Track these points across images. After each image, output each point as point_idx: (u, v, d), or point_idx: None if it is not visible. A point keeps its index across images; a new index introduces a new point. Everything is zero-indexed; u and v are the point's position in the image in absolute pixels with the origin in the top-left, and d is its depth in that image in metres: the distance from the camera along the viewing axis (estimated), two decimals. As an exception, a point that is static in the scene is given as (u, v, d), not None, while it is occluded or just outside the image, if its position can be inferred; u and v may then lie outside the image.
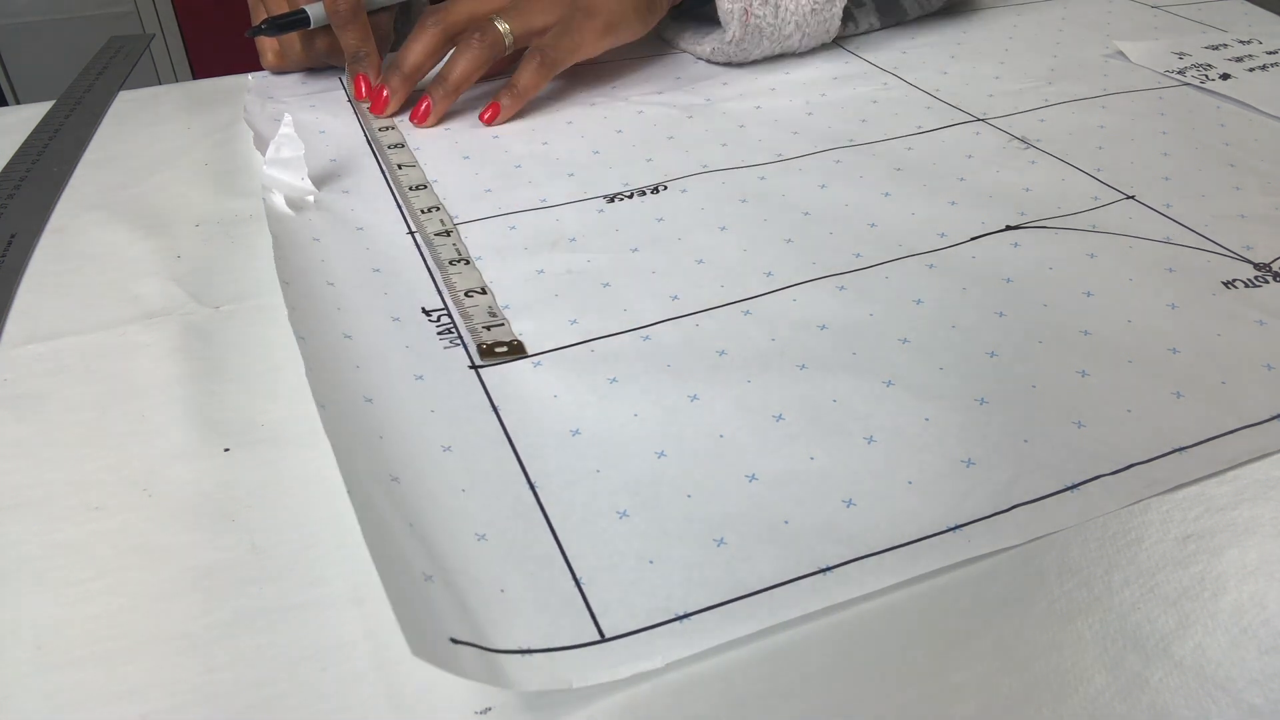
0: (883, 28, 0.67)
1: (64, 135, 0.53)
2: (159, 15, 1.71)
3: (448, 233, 0.44)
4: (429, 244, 0.43)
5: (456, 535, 0.29)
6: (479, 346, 0.36)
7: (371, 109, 0.55)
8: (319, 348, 0.35)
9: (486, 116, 0.54)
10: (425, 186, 0.48)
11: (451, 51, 0.55)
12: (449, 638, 0.25)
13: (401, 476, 0.30)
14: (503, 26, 0.54)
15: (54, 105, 0.57)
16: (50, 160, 0.51)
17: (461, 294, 0.39)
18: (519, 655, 0.25)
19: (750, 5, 0.57)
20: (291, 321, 0.36)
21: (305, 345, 0.35)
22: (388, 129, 0.54)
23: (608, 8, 0.56)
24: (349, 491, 0.28)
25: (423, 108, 0.54)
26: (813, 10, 0.59)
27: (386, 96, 0.54)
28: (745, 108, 0.56)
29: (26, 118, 0.56)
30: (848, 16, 0.64)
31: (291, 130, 0.46)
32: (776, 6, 0.58)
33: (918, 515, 0.29)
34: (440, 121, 0.55)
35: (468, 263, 0.42)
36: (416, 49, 0.54)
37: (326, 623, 0.27)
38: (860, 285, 0.40)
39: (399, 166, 0.50)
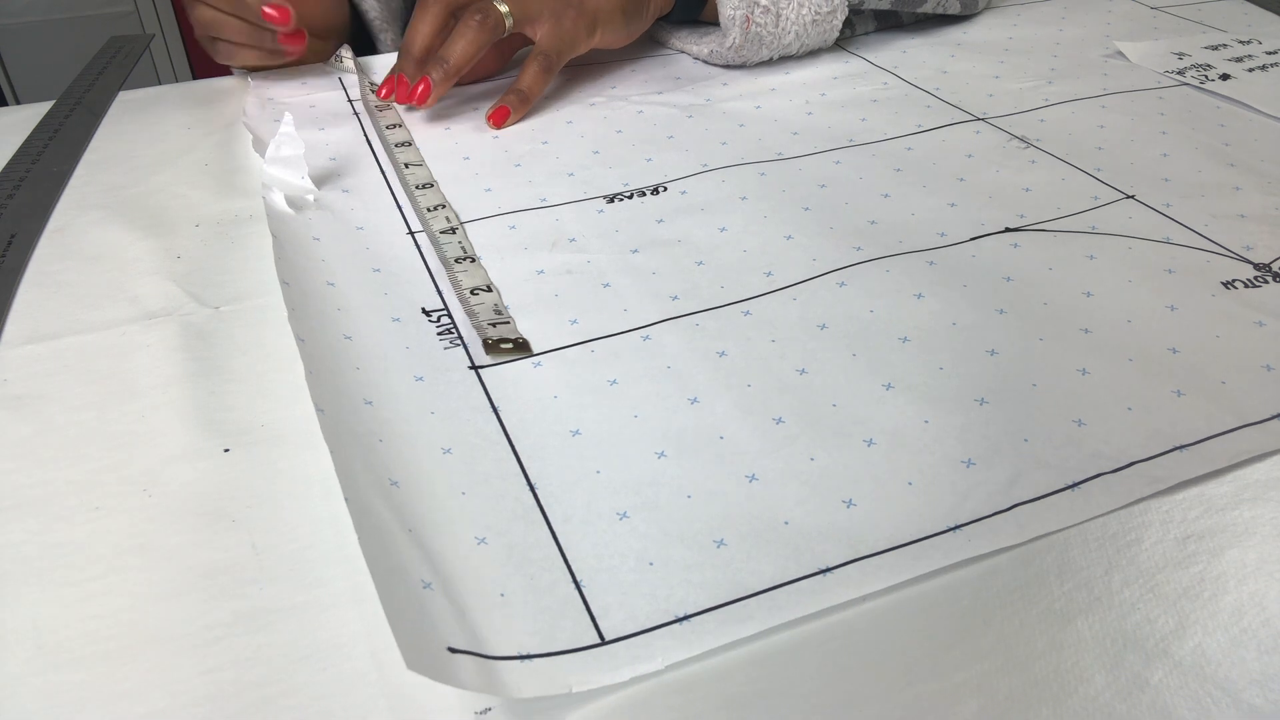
0: (878, 30, 0.67)
1: (64, 135, 0.53)
2: (159, 15, 1.71)
3: (454, 229, 0.44)
4: (435, 242, 0.43)
5: (456, 539, 0.29)
6: (484, 342, 0.36)
7: (382, 94, 0.55)
8: (319, 350, 0.35)
9: (494, 119, 0.54)
10: (432, 185, 0.48)
11: (453, 31, 0.54)
12: (447, 647, 0.25)
13: (401, 480, 0.30)
14: (503, 8, 0.54)
15: (54, 105, 0.57)
16: (50, 160, 0.51)
17: (468, 291, 0.39)
18: (518, 661, 0.25)
19: (752, 13, 0.57)
20: (291, 324, 0.36)
21: (305, 348, 0.35)
22: (395, 126, 0.54)
23: (596, 5, 0.56)
24: (347, 500, 0.28)
25: (420, 89, 0.54)
26: (814, 21, 0.59)
27: (401, 82, 0.54)
28: (745, 108, 0.56)
29: (26, 118, 0.56)
30: (845, 24, 0.64)
31: (292, 129, 0.46)
32: (778, 15, 0.58)
33: (918, 515, 0.29)
34: (437, 102, 0.54)
35: (473, 260, 0.42)
36: (423, 30, 0.54)
37: (326, 623, 0.27)
38: (861, 279, 0.40)
39: (405, 165, 0.49)
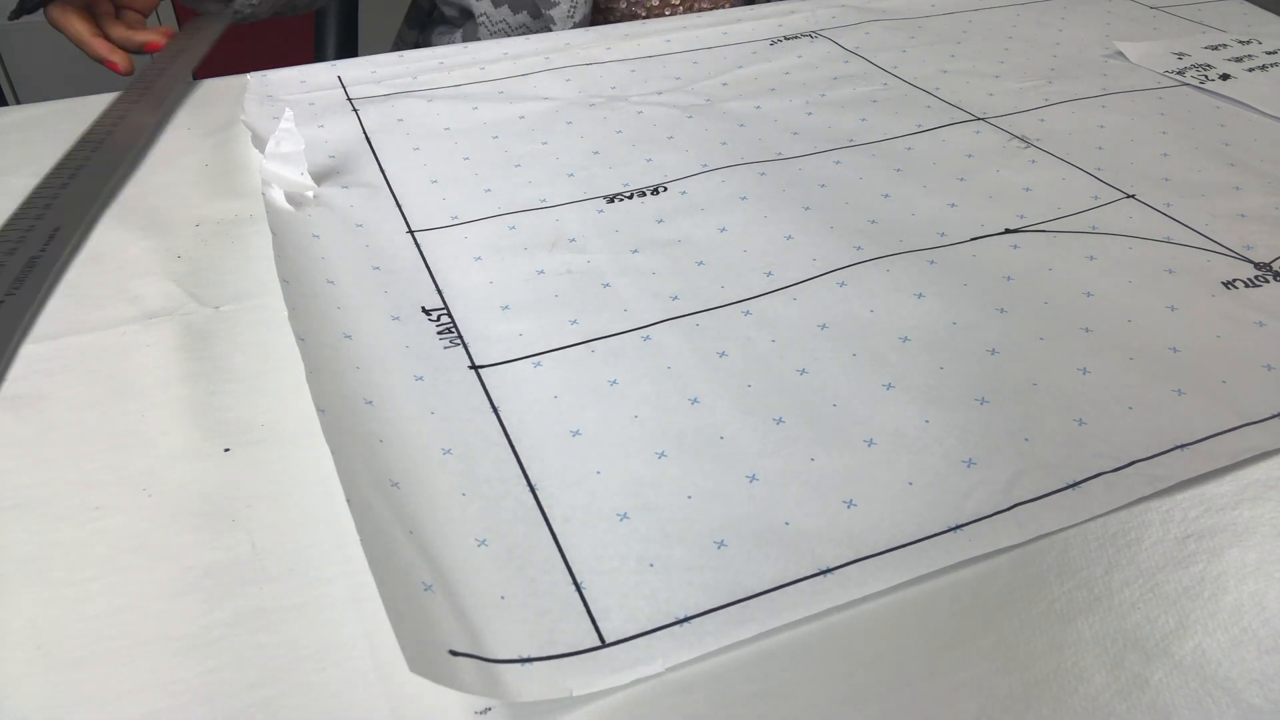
0: None
1: (128, 122, 0.52)
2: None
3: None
4: None
5: (457, 541, 0.28)
6: None
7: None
8: (319, 349, 0.35)
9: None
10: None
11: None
12: (448, 650, 0.25)
13: (402, 482, 0.30)
14: None
15: (121, 93, 0.56)
16: (110, 150, 0.50)
17: None
18: (519, 664, 0.25)
19: None
20: (291, 322, 0.36)
21: (305, 347, 0.34)
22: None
23: None
24: (349, 501, 0.28)
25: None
26: None
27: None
28: (745, 108, 0.56)
29: (27, 117, 0.56)
30: None
31: (291, 125, 0.46)
32: None
33: (918, 515, 0.29)
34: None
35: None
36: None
37: (326, 623, 0.27)
38: (861, 280, 0.40)
39: None
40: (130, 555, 0.29)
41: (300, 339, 0.35)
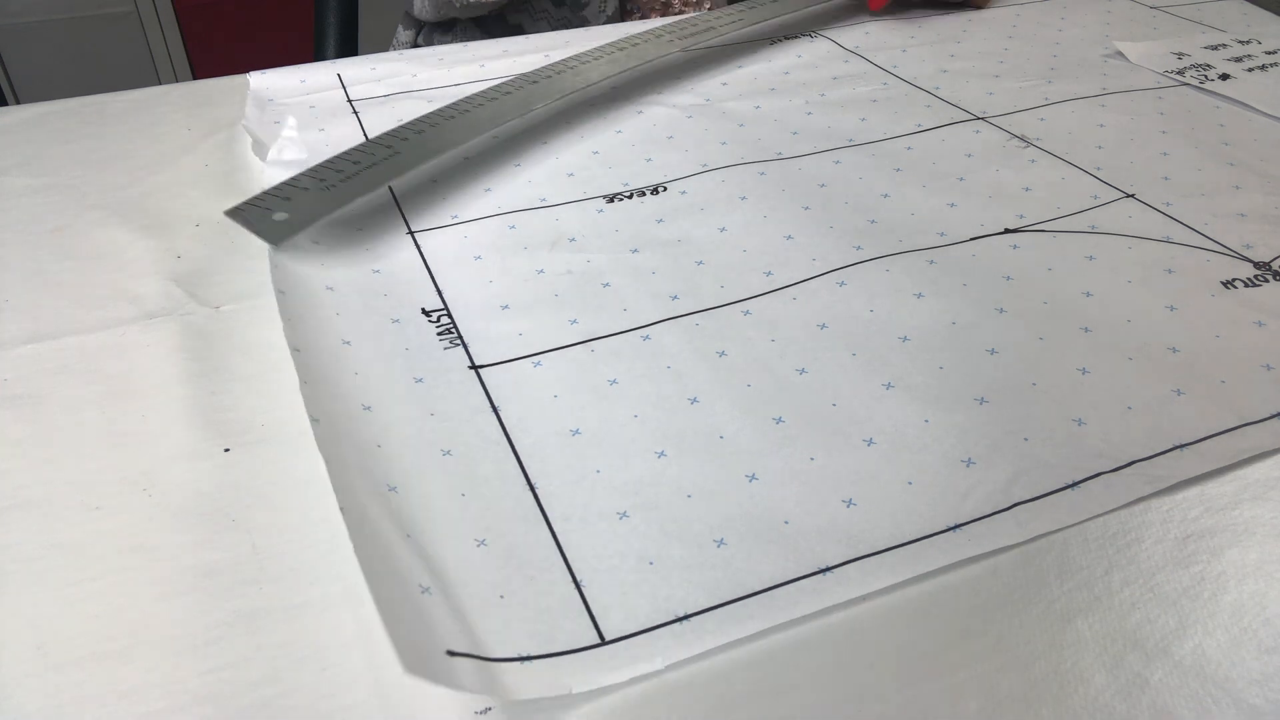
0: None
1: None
2: (159, 15, 1.71)
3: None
4: None
5: (456, 542, 0.28)
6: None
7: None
8: (316, 358, 0.35)
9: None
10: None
11: None
12: (446, 650, 0.25)
13: (400, 485, 0.30)
14: None
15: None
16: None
17: None
18: (518, 663, 0.25)
19: None
20: (286, 335, 0.35)
21: (300, 357, 0.34)
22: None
23: None
24: (342, 510, 0.27)
25: None
26: None
27: None
28: (745, 108, 0.56)
29: (27, 118, 0.56)
30: None
31: (295, 133, 0.46)
32: None
33: (918, 515, 0.29)
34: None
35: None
36: None
37: (326, 623, 0.27)
38: (861, 279, 0.40)
39: None
40: (130, 555, 0.29)
41: (295, 350, 0.35)
